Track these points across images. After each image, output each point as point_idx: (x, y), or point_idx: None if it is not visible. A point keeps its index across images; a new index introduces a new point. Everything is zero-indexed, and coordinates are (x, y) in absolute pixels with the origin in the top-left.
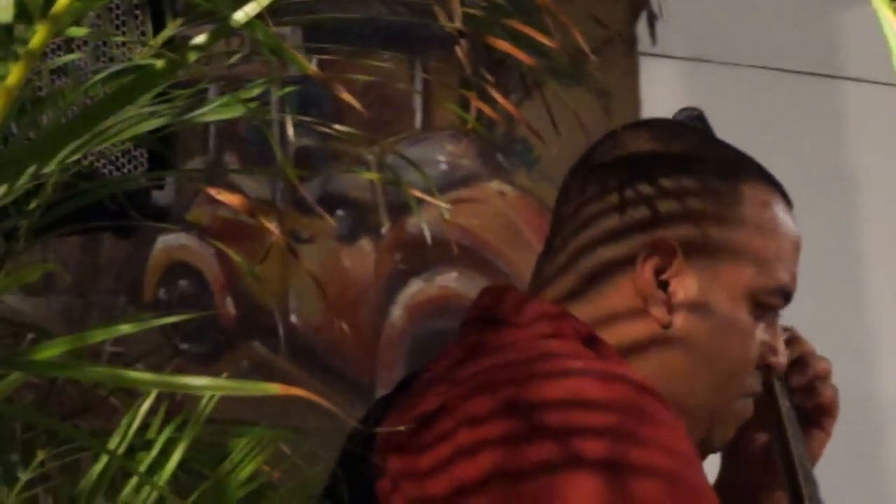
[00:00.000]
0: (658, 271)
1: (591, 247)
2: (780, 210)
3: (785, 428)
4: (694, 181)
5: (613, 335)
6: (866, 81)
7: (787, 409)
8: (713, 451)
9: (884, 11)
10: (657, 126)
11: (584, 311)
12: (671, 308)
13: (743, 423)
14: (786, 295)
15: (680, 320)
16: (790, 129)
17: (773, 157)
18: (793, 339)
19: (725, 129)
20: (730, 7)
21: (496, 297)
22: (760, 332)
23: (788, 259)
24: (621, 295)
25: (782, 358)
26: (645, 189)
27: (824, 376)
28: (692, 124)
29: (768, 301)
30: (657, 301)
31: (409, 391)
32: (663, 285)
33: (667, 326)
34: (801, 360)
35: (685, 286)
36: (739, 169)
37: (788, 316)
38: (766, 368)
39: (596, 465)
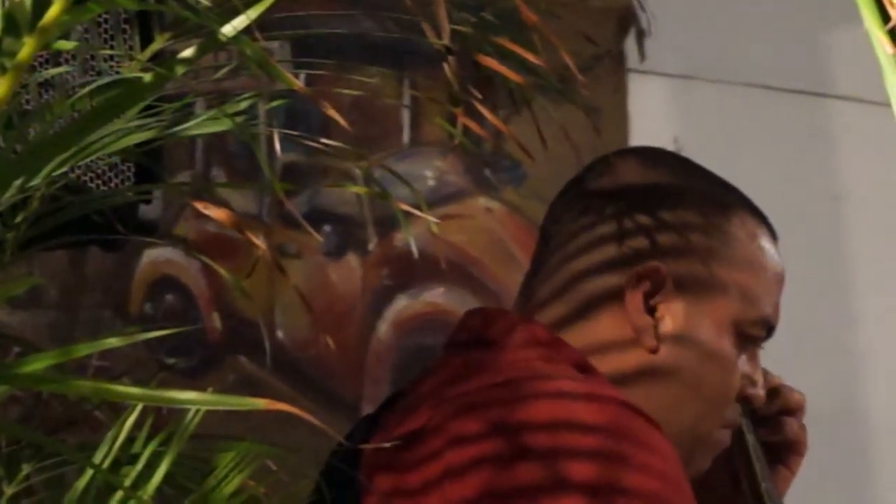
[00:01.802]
0: (647, 296)
1: (585, 275)
2: (766, 242)
3: (752, 462)
4: (687, 213)
5: (603, 363)
6: (856, 100)
7: (754, 442)
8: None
9: (875, 32)
10: (650, 155)
11: (575, 338)
12: (658, 334)
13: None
14: (768, 327)
15: (666, 346)
16: (779, 146)
17: (762, 174)
18: (766, 372)
19: (714, 147)
20: (719, 25)
21: (486, 318)
22: (742, 364)
23: (772, 291)
24: (611, 323)
25: (761, 390)
26: (641, 220)
27: (794, 409)
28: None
29: (751, 332)
30: (644, 326)
31: (394, 409)
32: (651, 311)
33: (654, 351)
34: (772, 393)
35: (672, 313)
36: (728, 201)
37: (779, 336)
38: (744, 400)
39: (583, 489)
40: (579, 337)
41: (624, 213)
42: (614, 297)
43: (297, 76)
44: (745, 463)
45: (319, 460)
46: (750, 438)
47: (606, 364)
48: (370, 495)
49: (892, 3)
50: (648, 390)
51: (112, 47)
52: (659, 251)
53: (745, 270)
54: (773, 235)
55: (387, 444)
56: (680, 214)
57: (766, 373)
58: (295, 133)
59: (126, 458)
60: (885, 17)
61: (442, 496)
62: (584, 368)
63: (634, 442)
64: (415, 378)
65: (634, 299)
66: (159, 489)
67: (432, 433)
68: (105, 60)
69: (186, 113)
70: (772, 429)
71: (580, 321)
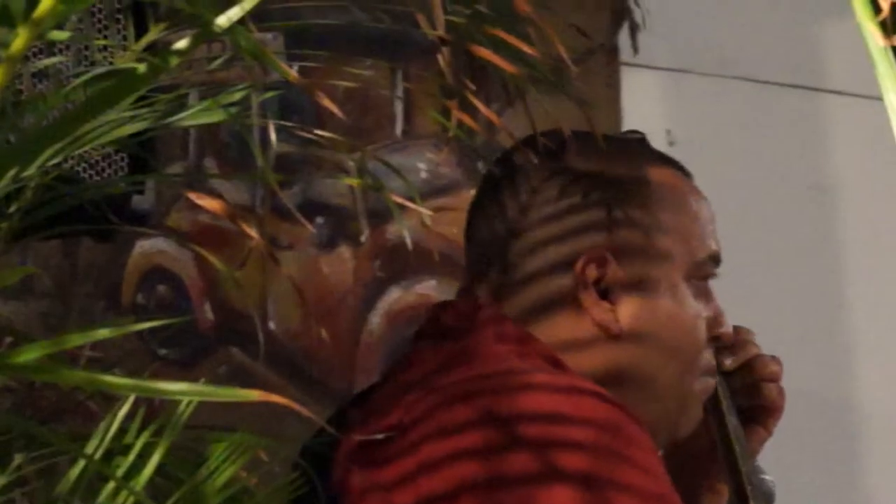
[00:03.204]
0: (596, 282)
1: (539, 274)
2: (685, 185)
3: (733, 445)
4: (611, 187)
5: (573, 359)
6: (847, 94)
7: (735, 425)
8: (683, 436)
9: (867, 25)
10: (574, 138)
11: (541, 334)
12: (617, 315)
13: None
14: (715, 259)
15: (628, 324)
16: (771, 140)
17: (753, 168)
18: (742, 342)
19: (706, 141)
20: (712, 18)
21: (456, 312)
22: (703, 308)
23: (708, 227)
24: (571, 316)
25: (728, 325)
26: (577, 212)
27: (772, 378)
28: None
29: (702, 273)
30: (603, 312)
31: (369, 403)
32: (605, 295)
33: (618, 335)
34: (748, 364)
35: (626, 290)
36: (642, 160)
37: (767, 326)
38: (716, 340)
39: (576, 479)
40: (544, 334)
41: (559, 198)
42: (565, 287)
43: (290, 67)
44: (725, 446)
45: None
46: (731, 421)
47: (575, 360)
48: (347, 493)
49: None
50: (620, 368)
51: (106, 37)
52: (593, 230)
53: (680, 224)
54: (686, 173)
55: (379, 436)
56: (606, 190)
57: (743, 341)
58: (289, 124)
59: (118, 448)
60: (877, 9)
61: (418, 488)
62: (555, 363)
63: (625, 438)
64: (387, 372)
65: (586, 290)
66: (151, 480)
67: (420, 423)
68: (99, 51)
69: (180, 104)
70: (749, 395)
71: (541, 317)
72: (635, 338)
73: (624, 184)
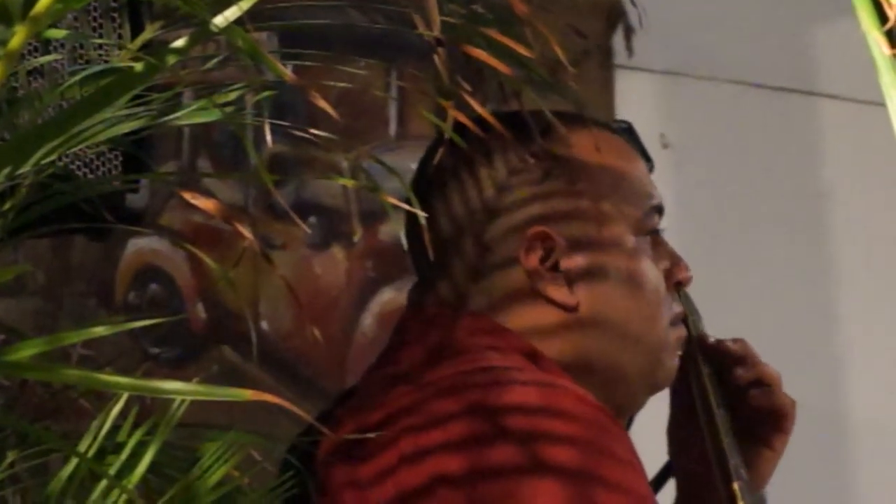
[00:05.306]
0: (544, 260)
1: (513, 259)
2: (611, 145)
3: (720, 436)
4: (536, 164)
5: (544, 345)
6: (843, 98)
7: (723, 416)
8: (663, 387)
9: (873, 34)
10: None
11: (514, 320)
12: (572, 286)
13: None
14: (658, 210)
15: (584, 292)
16: (766, 144)
17: (748, 171)
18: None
19: (700, 144)
20: (707, 21)
21: (438, 298)
22: (657, 259)
23: (643, 178)
24: (529, 301)
25: (686, 269)
26: (506, 193)
27: (768, 381)
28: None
29: (648, 226)
30: (557, 286)
31: (355, 398)
32: (555, 269)
33: (575, 307)
34: (743, 360)
35: (575, 260)
36: (566, 128)
37: (761, 334)
38: (678, 285)
39: (560, 473)
40: (512, 323)
41: (483, 191)
42: (516, 274)
43: (284, 67)
44: (713, 439)
45: (302, 450)
46: (720, 413)
47: (546, 345)
48: (325, 493)
49: (889, 4)
50: (592, 340)
51: (102, 36)
52: (528, 212)
53: (613, 185)
54: (607, 127)
55: (371, 435)
56: (534, 167)
57: (742, 344)
58: (284, 123)
59: (111, 446)
60: (883, 18)
61: (396, 482)
62: (533, 356)
63: (609, 434)
64: (373, 364)
65: (534, 269)
66: (144, 478)
67: (401, 417)
68: (95, 49)
69: (174, 103)
70: (741, 399)
71: (503, 307)
72: (595, 301)
73: (551, 157)
